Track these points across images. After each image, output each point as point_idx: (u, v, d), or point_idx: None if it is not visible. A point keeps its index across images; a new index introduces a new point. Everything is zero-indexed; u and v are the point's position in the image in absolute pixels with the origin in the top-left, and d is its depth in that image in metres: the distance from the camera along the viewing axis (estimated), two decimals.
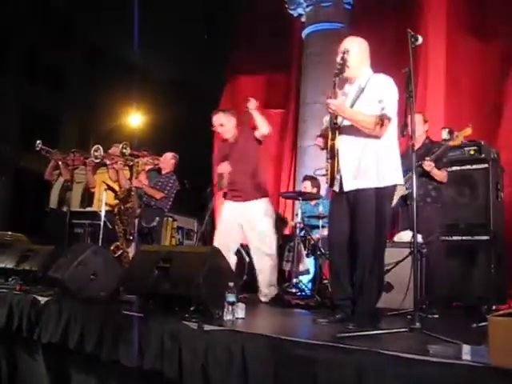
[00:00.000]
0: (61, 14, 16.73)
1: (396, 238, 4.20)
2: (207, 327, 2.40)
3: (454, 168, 4.71)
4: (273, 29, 8.93)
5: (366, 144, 2.96)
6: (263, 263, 4.30)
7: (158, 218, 5.49)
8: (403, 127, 2.63)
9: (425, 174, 4.12)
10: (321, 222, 5.35)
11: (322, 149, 3.16)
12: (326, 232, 4.89)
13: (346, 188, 2.98)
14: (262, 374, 2.02)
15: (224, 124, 4.35)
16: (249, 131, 4.30)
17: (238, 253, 4.62)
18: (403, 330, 2.37)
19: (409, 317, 2.99)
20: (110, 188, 5.52)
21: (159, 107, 15.39)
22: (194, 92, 13.78)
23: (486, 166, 4.75)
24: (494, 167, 4.78)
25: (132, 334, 2.58)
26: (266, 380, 2.00)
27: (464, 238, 4.71)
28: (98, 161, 5.65)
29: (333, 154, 2.98)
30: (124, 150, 5.28)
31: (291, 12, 8.88)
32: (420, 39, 2.67)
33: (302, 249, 5.17)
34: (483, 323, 2.36)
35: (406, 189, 3.89)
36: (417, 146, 4.29)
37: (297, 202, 5.66)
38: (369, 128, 2.89)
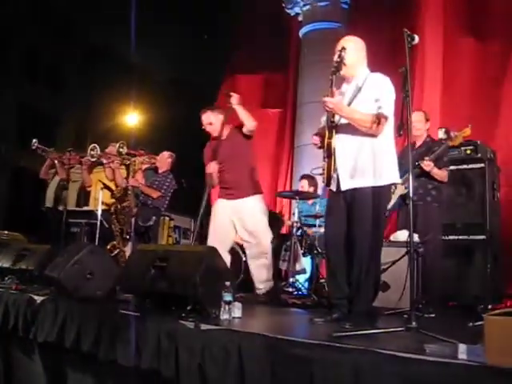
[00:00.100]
0: (61, 14, 16.69)
1: (392, 238, 4.21)
2: (204, 326, 2.40)
3: (451, 167, 4.72)
4: (272, 29, 8.94)
5: (363, 143, 2.96)
6: (257, 261, 4.30)
7: (154, 217, 5.49)
8: (400, 126, 2.64)
9: (424, 174, 4.12)
10: (317, 222, 5.35)
11: (319, 148, 3.16)
12: (322, 230, 4.89)
13: (343, 187, 2.99)
14: (259, 373, 2.01)
15: (213, 122, 4.32)
16: (237, 128, 4.29)
17: (234, 252, 4.62)
18: (400, 329, 2.38)
19: (405, 316, 3.00)
20: (106, 187, 5.51)
21: (158, 107, 15.39)
22: (193, 92, 13.77)
23: (483, 165, 4.76)
24: (491, 167, 4.79)
25: (129, 333, 2.57)
26: (263, 379, 2.00)
27: (460, 237, 4.72)
28: (94, 160, 5.64)
29: (329, 153, 2.98)
30: (121, 149, 5.28)
31: (288, 11, 8.89)
32: (416, 39, 2.68)
33: (299, 248, 5.17)
34: (479, 322, 2.36)
35: (406, 188, 3.89)
36: (418, 144, 4.31)
37: (294, 202, 5.66)
38: (365, 126, 2.90)
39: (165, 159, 5.71)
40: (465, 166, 4.82)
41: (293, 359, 1.96)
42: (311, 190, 5.83)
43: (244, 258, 5.23)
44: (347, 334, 2.35)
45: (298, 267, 5.06)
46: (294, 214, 5.37)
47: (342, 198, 3.02)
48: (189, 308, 2.75)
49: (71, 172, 5.83)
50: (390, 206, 4.13)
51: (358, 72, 3.09)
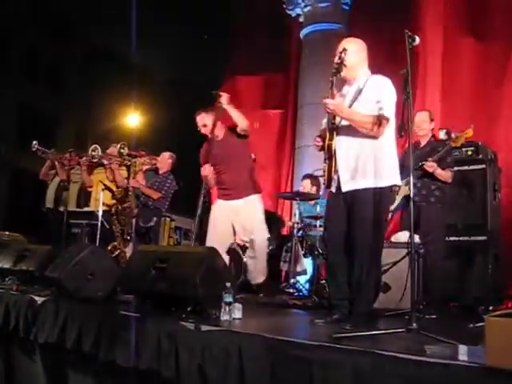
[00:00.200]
0: (61, 14, 16.71)
1: (393, 239, 4.20)
2: (204, 327, 2.40)
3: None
4: (272, 29, 8.94)
5: (364, 144, 2.96)
6: (251, 254, 4.36)
7: (155, 218, 5.49)
8: (401, 127, 2.63)
9: (428, 174, 4.11)
10: (318, 222, 5.35)
11: (320, 150, 3.16)
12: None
13: (344, 188, 2.98)
14: (259, 374, 2.02)
15: (207, 124, 4.30)
16: (232, 129, 4.29)
17: (235, 253, 4.63)
18: (400, 330, 2.37)
19: (406, 317, 2.99)
20: (107, 188, 5.51)
21: (158, 107, 15.38)
22: (194, 92, 13.75)
23: (484, 166, 4.76)
24: (492, 168, 4.79)
25: (129, 334, 2.57)
26: (263, 380, 2.00)
27: (461, 238, 4.71)
28: (95, 160, 5.64)
29: (330, 155, 2.98)
30: (122, 150, 5.28)
31: (289, 12, 8.88)
32: (417, 40, 2.68)
33: (300, 249, 5.17)
34: (480, 324, 2.36)
35: (409, 189, 3.88)
36: (422, 144, 4.30)
37: (295, 202, 5.65)
38: (366, 128, 2.89)
39: (165, 160, 5.70)
40: (466, 167, 4.81)
41: (293, 360, 1.96)
42: (313, 189, 5.80)
43: (245, 259, 5.23)
44: (347, 335, 2.34)
45: (298, 268, 5.06)
46: (295, 214, 5.37)
47: (342, 199, 3.01)
48: (189, 309, 2.75)
49: (71, 173, 5.83)
50: (393, 206, 4.14)
51: (359, 74, 3.08)
